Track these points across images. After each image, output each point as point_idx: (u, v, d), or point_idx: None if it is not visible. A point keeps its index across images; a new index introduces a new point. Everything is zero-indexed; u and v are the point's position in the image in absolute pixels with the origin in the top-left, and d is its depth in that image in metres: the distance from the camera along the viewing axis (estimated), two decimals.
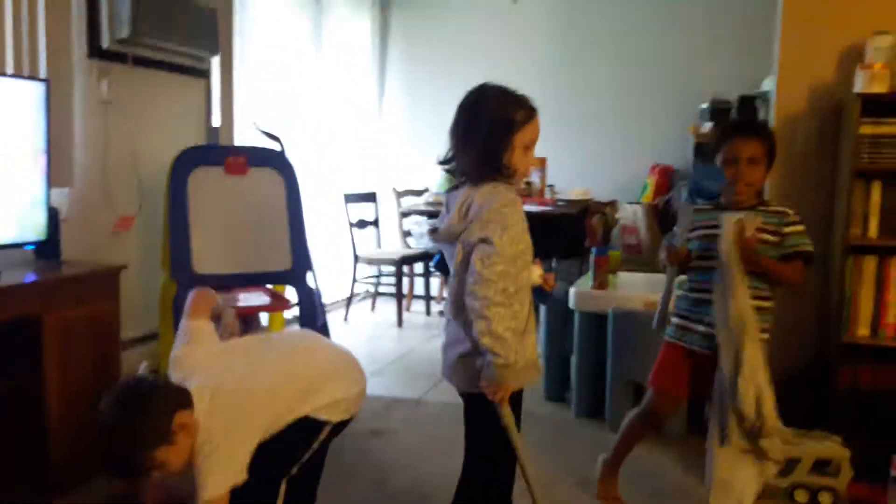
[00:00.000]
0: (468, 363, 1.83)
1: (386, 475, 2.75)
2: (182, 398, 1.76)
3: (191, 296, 2.11)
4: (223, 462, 1.73)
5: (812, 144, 3.05)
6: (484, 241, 1.74)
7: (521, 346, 1.79)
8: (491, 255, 1.72)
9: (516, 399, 1.86)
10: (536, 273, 1.90)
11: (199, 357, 1.91)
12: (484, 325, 1.71)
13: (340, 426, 1.98)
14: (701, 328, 2.29)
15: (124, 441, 1.72)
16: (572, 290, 3.28)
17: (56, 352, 2.52)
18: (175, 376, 1.87)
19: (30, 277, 2.55)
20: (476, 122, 1.82)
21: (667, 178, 5.15)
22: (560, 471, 2.78)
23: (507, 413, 1.80)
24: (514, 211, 1.78)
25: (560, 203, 5.32)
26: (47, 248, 2.79)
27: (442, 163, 1.92)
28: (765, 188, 2.77)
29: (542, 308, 3.57)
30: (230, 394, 1.80)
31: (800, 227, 2.25)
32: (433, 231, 1.93)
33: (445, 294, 5.81)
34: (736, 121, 2.27)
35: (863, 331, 2.78)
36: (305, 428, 1.88)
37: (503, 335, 1.71)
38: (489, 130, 1.79)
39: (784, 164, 3.07)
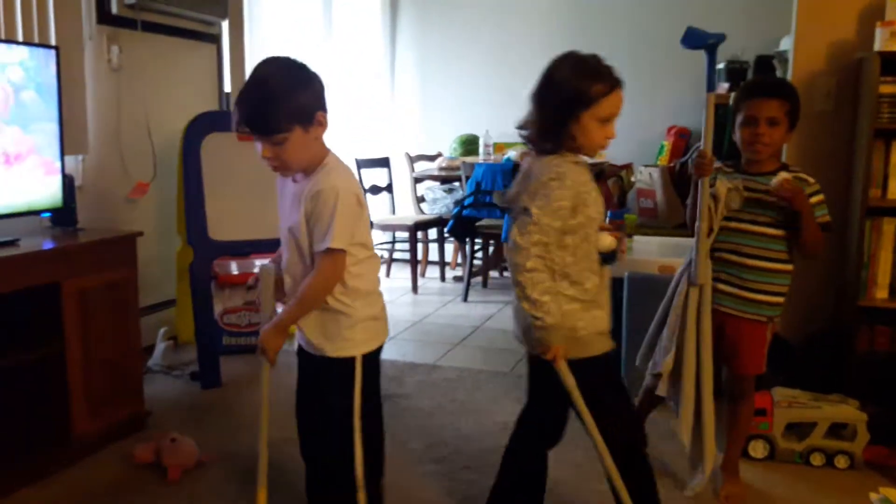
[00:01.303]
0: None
1: (403, 438, 2.77)
2: (326, 105, 1.73)
3: None
4: (346, 209, 1.69)
5: (830, 104, 3.00)
6: (525, 210, 1.75)
7: (589, 317, 1.81)
8: (528, 224, 1.73)
9: (594, 367, 1.83)
10: (607, 241, 1.86)
11: None
12: (519, 291, 1.75)
13: (372, 359, 1.85)
14: (719, 285, 2.28)
15: (277, 88, 1.64)
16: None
17: (76, 318, 2.55)
18: None
19: (48, 244, 2.57)
20: (546, 92, 1.81)
21: (683, 141, 5.09)
22: (575, 432, 2.79)
23: (565, 372, 1.78)
24: (562, 185, 1.74)
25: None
26: (63, 216, 2.81)
27: (519, 128, 1.89)
28: (783, 150, 2.73)
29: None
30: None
31: (820, 197, 2.21)
32: (502, 194, 1.94)
33: (460, 260, 5.82)
34: (756, 79, 2.20)
35: (881, 293, 2.76)
36: (340, 371, 1.80)
37: (539, 299, 1.72)
38: (556, 102, 1.78)
39: (802, 125, 2.99)
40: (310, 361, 1.86)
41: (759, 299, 2.24)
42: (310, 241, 1.74)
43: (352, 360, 1.78)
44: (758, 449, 2.59)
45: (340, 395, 1.78)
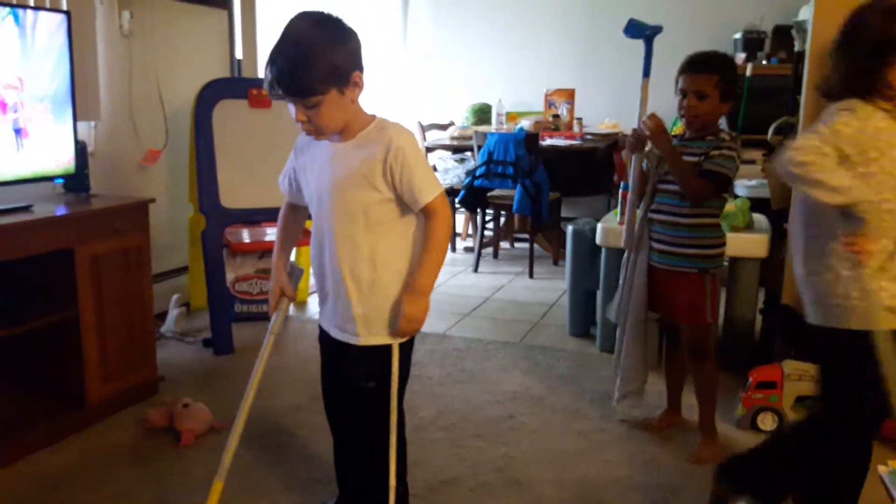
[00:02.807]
0: (820, 294, 1.77)
1: (413, 405, 2.79)
2: (364, 65, 1.64)
3: None
4: (424, 160, 1.68)
5: None
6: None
7: (873, 287, 1.68)
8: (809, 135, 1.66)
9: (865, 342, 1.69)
10: None
11: None
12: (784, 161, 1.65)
13: (407, 347, 1.78)
14: (654, 244, 2.45)
15: (311, 48, 1.54)
16: (599, 226, 3.25)
17: (89, 284, 2.57)
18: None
19: (61, 210, 2.58)
20: (853, 38, 1.74)
21: None
22: (584, 402, 2.81)
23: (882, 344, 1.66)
24: (852, 115, 1.65)
25: (588, 137, 5.24)
26: (76, 182, 2.82)
27: (821, 88, 1.81)
28: (722, 121, 2.78)
29: (568, 243, 3.55)
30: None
31: (727, 153, 2.27)
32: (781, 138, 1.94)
33: (471, 230, 5.80)
34: (692, 55, 2.31)
35: None
36: (379, 355, 1.73)
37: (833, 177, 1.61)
38: (867, 49, 1.69)
39: (818, 100, 2.97)
40: (339, 348, 1.78)
41: (686, 253, 2.37)
42: (399, 195, 1.65)
43: (388, 347, 1.72)
44: (766, 421, 2.60)
45: (377, 382, 1.72)
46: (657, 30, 2.51)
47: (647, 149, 2.45)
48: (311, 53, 1.54)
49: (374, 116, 1.71)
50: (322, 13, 1.61)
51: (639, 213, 2.50)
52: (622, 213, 3.37)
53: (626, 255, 2.55)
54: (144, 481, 2.28)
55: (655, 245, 2.44)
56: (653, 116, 2.36)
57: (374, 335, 1.72)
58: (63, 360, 2.60)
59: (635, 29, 2.51)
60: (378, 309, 1.71)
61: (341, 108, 1.61)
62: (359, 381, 1.75)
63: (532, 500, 2.20)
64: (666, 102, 2.46)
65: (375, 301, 1.71)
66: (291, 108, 1.61)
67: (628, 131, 4.95)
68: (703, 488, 2.22)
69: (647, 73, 2.49)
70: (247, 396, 1.82)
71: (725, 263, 2.55)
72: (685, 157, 2.33)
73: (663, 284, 2.44)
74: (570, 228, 3.57)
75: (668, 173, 2.37)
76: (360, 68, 1.63)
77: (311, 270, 1.83)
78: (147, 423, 2.59)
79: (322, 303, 1.82)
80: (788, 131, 3.54)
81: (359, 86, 1.63)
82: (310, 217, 1.82)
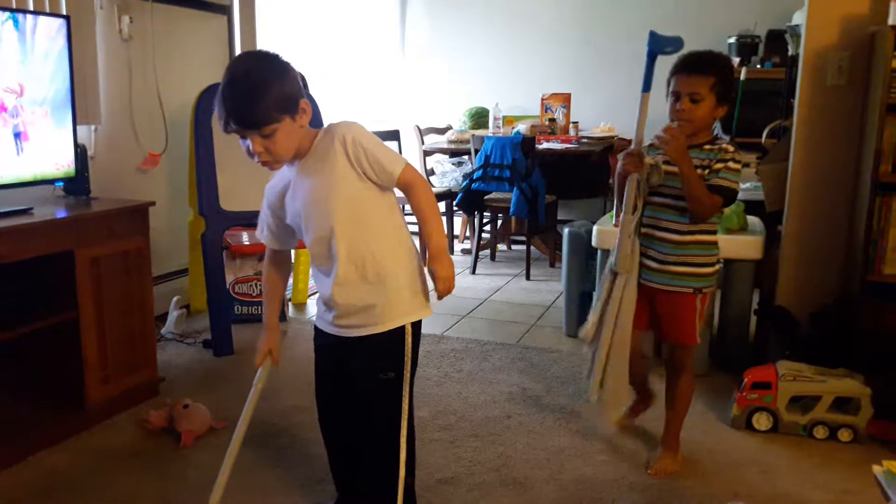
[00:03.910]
0: None
1: None
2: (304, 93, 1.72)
3: None
4: (384, 149, 1.72)
5: (843, 79, 2.98)
6: None
7: None
8: None
9: None
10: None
11: None
12: None
13: (420, 327, 1.84)
14: (646, 261, 2.32)
15: (260, 80, 1.61)
16: (595, 228, 3.28)
17: (89, 286, 2.59)
18: None
19: (61, 213, 2.60)
20: None
21: None
22: (580, 402, 2.84)
23: None
24: None
25: (584, 140, 5.27)
26: (76, 185, 2.84)
27: None
28: (716, 126, 2.63)
29: (565, 245, 3.58)
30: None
31: (733, 165, 2.18)
32: None
33: (468, 233, 5.82)
34: (686, 55, 2.20)
35: (889, 269, 2.76)
36: (390, 342, 1.78)
37: None
38: None
39: (813, 99, 3.01)
40: (350, 348, 1.81)
41: (681, 271, 2.26)
42: (373, 179, 1.72)
43: (401, 329, 1.78)
44: (761, 421, 2.62)
45: (394, 370, 1.77)
46: (678, 46, 2.21)
47: (648, 163, 2.27)
48: (263, 85, 1.61)
49: (316, 130, 1.77)
50: (260, 51, 1.73)
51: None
52: (617, 216, 3.39)
53: (606, 270, 2.39)
54: (145, 482, 2.30)
55: (646, 262, 2.31)
56: (675, 130, 2.16)
57: (389, 320, 1.77)
58: (63, 362, 2.62)
59: (655, 43, 2.23)
60: (391, 301, 1.77)
61: (294, 134, 1.68)
62: (378, 374, 1.79)
63: (529, 499, 2.22)
64: (658, 106, 2.27)
65: (385, 290, 1.76)
66: (245, 143, 1.66)
67: (623, 134, 4.99)
68: (698, 489, 2.25)
69: (647, 87, 2.26)
70: (237, 435, 1.87)
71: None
72: (674, 167, 2.19)
73: (652, 302, 2.34)
74: (566, 231, 3.60)
75: (662, 186, 2.25)
76: (305, 96, 1.71)
77: (310, 276, 1.86)
78: (147, 424, 2.61)
79: (327, 310, 1.84)
80: (782, 135, 3.58)
81: (306, 112, 1.70)
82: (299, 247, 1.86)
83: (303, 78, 1.73)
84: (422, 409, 2.81)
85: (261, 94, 1.60)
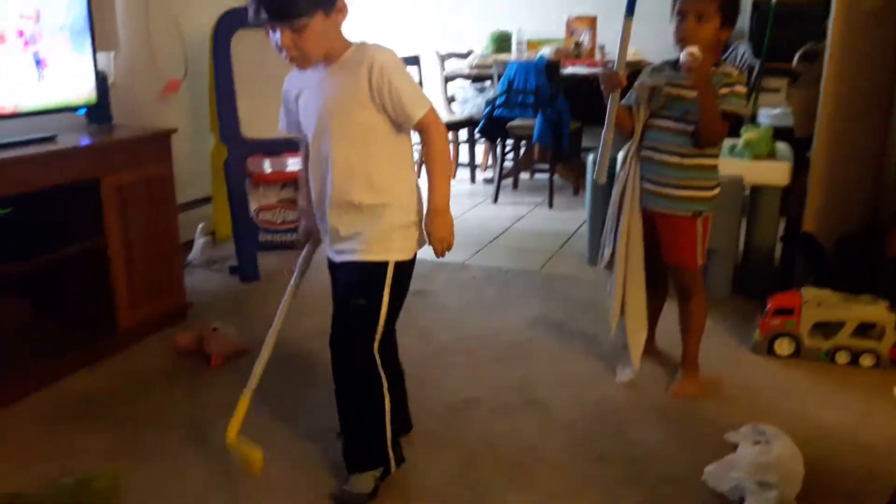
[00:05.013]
0: None
1: (432, 331, 2.86)
2: None
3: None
4: (409, 78, 1.68)
5: (878, 2, 2.85)
6: None
7: None
8: None
9: None
10: None
11: None
12: None
13: (405, 270, 1.81)
14: (646, 185, 2.31)
15: None
16: (620, 155, 3.22)
17: (116, 214, 2.62)
18: None
19: (85, 141, 2.61)
20: None
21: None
22: (603, 328, 2.85)
23: None
24: None
25: (610, 65, 5.13)
26: (98, 113, 2.84)
27: None
28: (746, 50, 2.55)
29: (589, 172, 3.54)
30: None
31: (739, 89, 2.14)
32: None
33: (490, 161, 5.77)
34: None
35: None
36: (373, 273, 1.76)
37: None
38: None
39: (848, 24, 2.89)
40: (340, 269, 1.83)
41: (680, 195, 2.25)
42: (390, 115, 1.67)
43: (384, 265, 1.75)
44: (783, 346, 2.63)
45: (367, 299, 1.76)
46: None
47: (639, 81, 2.29)
48: None
49: (350, 41, 1.71)
50: None
51: (622, 153, 2.36)
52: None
53: (612, 198, 2.40)
54: (177, 400, 2.38)
55: (647, 186, 2.30)
56: (698, 53, 2.06)
57: (372, 253, 1.75)
58: (94, 288, 2.67)
59: None
60: (379, 232, 1.74)
61: (326, 32, 1.62)
62: (349, 298, 1.78)
63: (551, 419, 2.27)
64: (661, 33, 2.21)
65: (376, 225, 1.74)
66: (275, 36, 1.61)
67: (650, 59, 4.86)
68: (718, 412, 2.28)
69: (630, 12, 2.19)
70: (276, 321, 1.91)
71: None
72: (680, 91, 2.18)
73: (655, 226, 2.34)
74: (590, 157, 3.55)
75: (664, 108, 2.22)
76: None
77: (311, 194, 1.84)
78: (177, 346, 2.68)
79: (324, 232, 1.84)
80: (814, 59, 3.46)
81: (342, 11, 1.63)
82: None
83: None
84: (443, 334, 2.85)
85: None
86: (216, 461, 2.02)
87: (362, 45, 1.70)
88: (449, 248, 1.77)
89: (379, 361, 1.79)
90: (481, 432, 2.19)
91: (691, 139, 2.18)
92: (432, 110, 1.69)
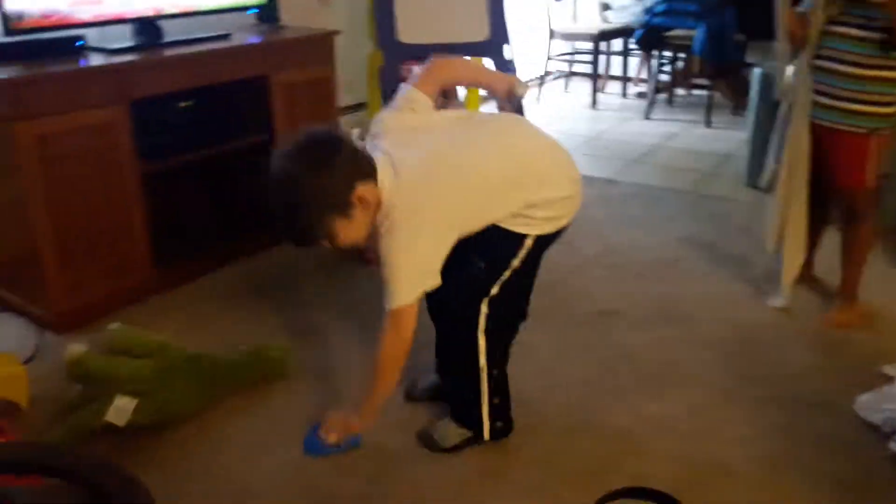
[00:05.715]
0: None
1: (576, 244, 2.86)
2: (367, 167, 1.52)
3: (428, 64, 1.84)
4: (410, 262, 1.53)
5: None
6: None
7: None
8: None
9: None
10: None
11: (402, 125, 1.69)
12: None
13: (545, 240, 1.67)
14: (817, 98, 2.14)
15: (295, 198, 1.51)
16: (790, 69, 3.01)
17: (283, 111, 2.76)
18: (370, 143, 1.66)
19: (256, 39, 2.75)
20: None
21: None
22: (757, 252, 2.74)
23: None
24: None
25: None
26: (268, 13, 2.97)
27: None
28: None
29: (754, 88, 3.34)
30: (423, 174, 1.55)
31: None
32: None
33: (644, 75, 5.54)
34: None
35: None
36: (505, 239, 1.63)
37: None
38: None
39: None
40: None
41: (854, 109, 2.07)
42: None
43: (524, 236, 1.63)
44: None
45: (486, 261, 1.65)
46: None
47: None
48: (300, 214, 1.51)
49: (388, 211, 1.54)
50: (298, 148, 1.55)
51: (792, 66, 2.20)
52: None
53: (779, 113, 2.26)
54: (329, 289, 2.57)
55: (819, 98, 2.14)
56: None
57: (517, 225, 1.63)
58: (259, 182, 2.84)
59: None
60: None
61: (353, 225, 1.54)
62: (471, 258, 1.66)
63: (693, 336, 2.25)
64: None
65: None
66: None
67: None
68: (868, 344, 2.17)
69: None
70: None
71: None
72: None
73: (823, 142, 2.18)
74: (756, 71, 3.34)
75: (844, 13, 2.03)
76: (362, 177, 1.51)
77: None
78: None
79: None
80: None
81: (363, 200, 1.52)
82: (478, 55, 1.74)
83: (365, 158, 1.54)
84: (588, 247, 2.85)
85: (302, 222, 1.52)
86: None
87: (387, 210, 1.54)
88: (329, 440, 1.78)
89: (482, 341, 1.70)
90: (621, 343, 2.21)
91: (879, 47, 2.00)
92: (403, 311, 1.55)
